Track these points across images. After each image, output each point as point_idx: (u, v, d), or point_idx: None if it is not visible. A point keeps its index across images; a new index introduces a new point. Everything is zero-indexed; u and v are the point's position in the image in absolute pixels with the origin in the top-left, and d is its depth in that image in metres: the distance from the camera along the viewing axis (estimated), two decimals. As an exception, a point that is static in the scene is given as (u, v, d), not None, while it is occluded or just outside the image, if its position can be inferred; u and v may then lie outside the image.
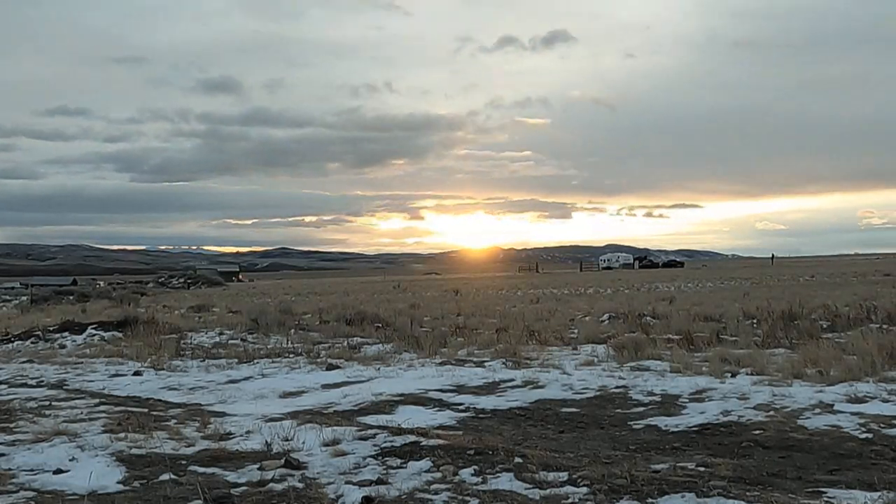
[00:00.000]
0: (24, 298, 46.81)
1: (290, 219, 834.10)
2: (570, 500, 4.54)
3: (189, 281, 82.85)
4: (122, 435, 6.51)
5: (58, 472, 5.43)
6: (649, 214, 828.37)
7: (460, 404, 7.99)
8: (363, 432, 6.39)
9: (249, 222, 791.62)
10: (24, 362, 13.05)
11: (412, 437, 6.11)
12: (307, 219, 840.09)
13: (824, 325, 13.85)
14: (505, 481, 4.92)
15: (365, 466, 5.40)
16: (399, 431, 6.36)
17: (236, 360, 12.29)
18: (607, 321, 16.70)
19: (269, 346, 14.03)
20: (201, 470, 5.42)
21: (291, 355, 12.76)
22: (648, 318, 16.47)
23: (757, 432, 6.19)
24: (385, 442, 6.02)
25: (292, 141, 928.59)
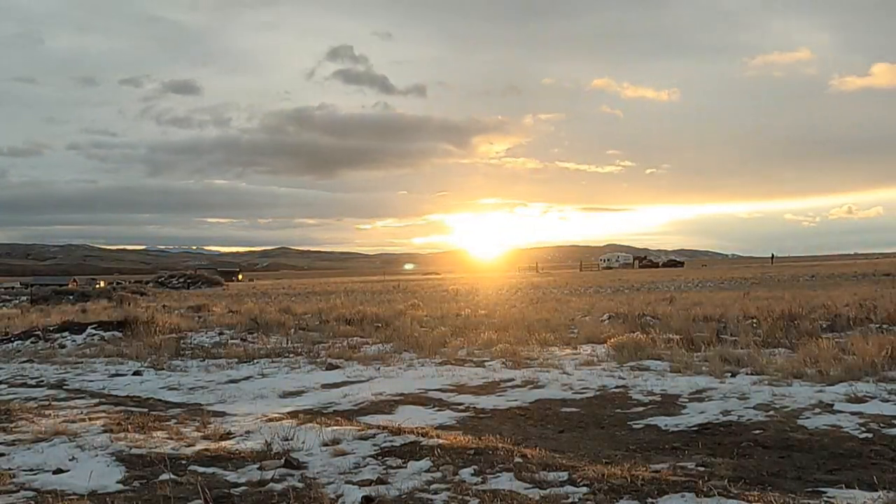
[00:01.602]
0: (24, 298, 46.91)
1: (289, 219, 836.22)
2: (570, 500, 4.54)
3: (189, 281, 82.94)
4: (121, 435, 6.51)
5: (58, 471, 5.42)
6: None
7: (460, 404, 7.99)
8: (363, 432, 6.38)
9: (249, 222, 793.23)
10: (24, 362, 13.06)
11: (412, 437, 6.11)
12: (307, 219, 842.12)
13: (824, 325, 13.85)
14: (505, 481, 4.91)
15: (365, 466, 5.40)
16: (399, 431, 6.36)
17: (236, 360, 12.29)
18: (607, 321, 16.68)
19: (269, 346, 14.04)
20: (201, 470, 5.41)
21: (291, 355, 12.76)
22: (648, 318, 16.47)
23: (757, 432, 6.20)
24: (385, 442, 6.01)
25: (293, 143, 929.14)
